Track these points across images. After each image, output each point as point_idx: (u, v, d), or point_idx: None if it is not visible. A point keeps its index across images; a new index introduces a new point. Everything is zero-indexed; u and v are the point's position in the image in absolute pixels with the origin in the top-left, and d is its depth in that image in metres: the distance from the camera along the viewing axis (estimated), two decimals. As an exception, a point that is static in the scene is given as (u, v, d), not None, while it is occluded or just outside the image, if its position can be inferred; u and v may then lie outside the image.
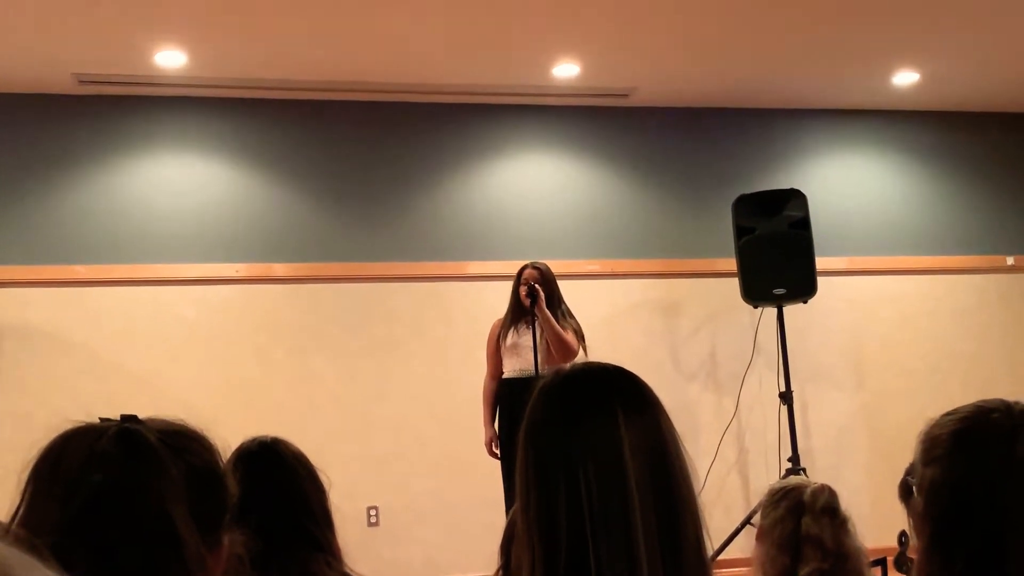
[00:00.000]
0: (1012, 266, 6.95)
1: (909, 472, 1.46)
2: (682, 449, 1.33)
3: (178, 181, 6.08)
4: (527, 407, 1.35)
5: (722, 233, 6.21)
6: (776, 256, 5.91)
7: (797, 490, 2.27)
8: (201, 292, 5.98)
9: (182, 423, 1.24)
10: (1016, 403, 1.43)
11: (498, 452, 5.18)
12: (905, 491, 1.46)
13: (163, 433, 1.19)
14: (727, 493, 6.34)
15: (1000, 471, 1.37)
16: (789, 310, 6.03)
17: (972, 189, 7.04)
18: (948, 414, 1.45)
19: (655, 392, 1.36)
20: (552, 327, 5.03)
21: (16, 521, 1.12)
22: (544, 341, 5.04)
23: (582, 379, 1.36)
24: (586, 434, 1.28)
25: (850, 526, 2.25)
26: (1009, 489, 1.36)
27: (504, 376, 5.20)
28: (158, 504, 1.12)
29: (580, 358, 5.15)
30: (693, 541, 1.28)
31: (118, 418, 1.20)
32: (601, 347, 5.59)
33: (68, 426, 1.19)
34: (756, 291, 5.94)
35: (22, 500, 1.14)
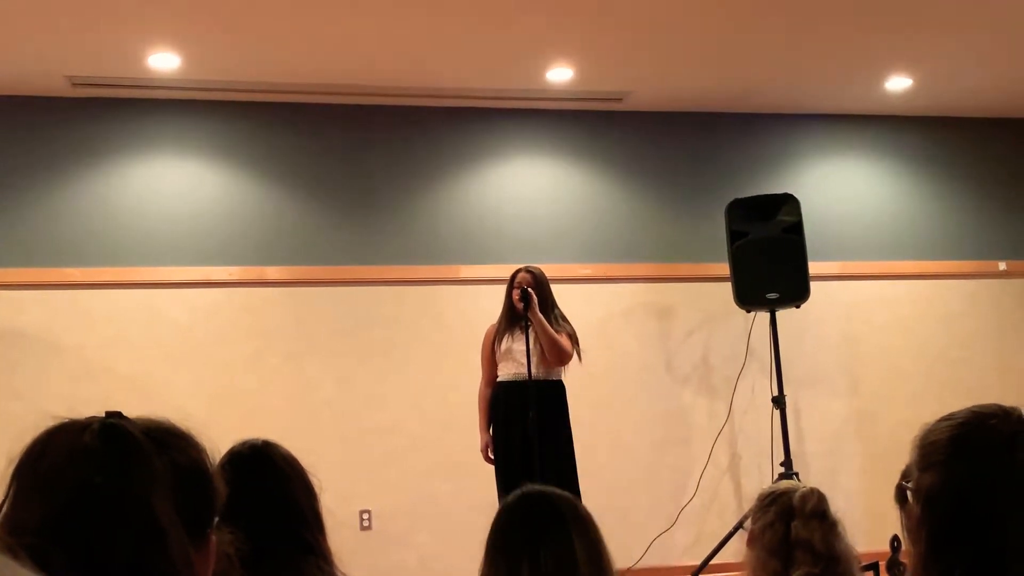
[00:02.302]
0: (1004, 271, 6.96)
1: (905, 476, 1.45)
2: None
3: (171, 184, 6.07)
4: (493, 526, 1.87)
5: (715, 237, 6.21)
6: (769, 260, 5.92)
7: (786, 494, 2.27)
8: (194, 295, 5.97)
9: (167, 421, 1.24)
10: (1013, 408, 1.43)
11: (493, 456, 5.17)
12: (901, 496, 1.45)
13: (148, 429, 1.19)
14: (720, 498, 6.34)
15: (1000, 477, 1.36)
16: (782, 315, 6.03)
17: (965, 194, 7.05)
18: (944, 419, 1.44)
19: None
20: (545, 330, 5.02)
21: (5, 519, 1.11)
22: (538, 345, 5.04)
23: (540, 501, 1.92)
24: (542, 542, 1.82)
25: (840, 529, 2.24)
26: (1009, 496, 1.35)
27: (499, 380, 5.19)
28: (142, 499, 1.11)
29: (574, 362, 5.15)
30: None
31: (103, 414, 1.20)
32: (594, 352, 5.59)
33: (52, 422, 1.19)
34: (749, 295, 5.94)
35: (6, 497, 1.13)
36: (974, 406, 1.44)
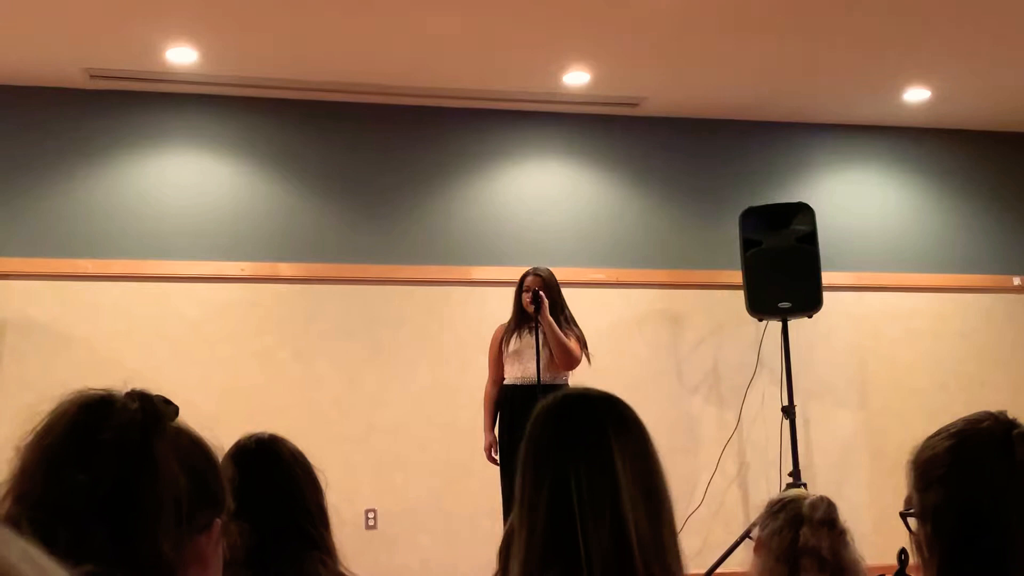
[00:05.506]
0: (1019, 286, 6.92)
1: (907, 504, 1.45)
2: (660, 463, 1.55)
3: (186, 178, 6.08)
4: (529, 423, 1.58)
5: (728, 245, 6.20)
6: (782, 270, 5.90)
7: (796, 501, 2.26)
8: (205, 290, 5.98)
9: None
10: (999, 412, 1.43)
11: (497, 458, 5.16)
12: (906, 523, 1.45)
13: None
14: (727, 507, 6.32)
15: (1002, 478, 1.36)
16: (794, 324, 6.01)
17: (980, 208, 7.02)
18: (935, 434, 1.45)
19: (641, 415, 1.58)
20: (555, 334, 5.01)
21: (11, 489, 1.11)
22: (546, 348, 5.03)
23: (578, 401, 1.59)
24: (579, 444, 1.50)
25: (849, 538, 2.23)
26: (1012, 494, 1.35)
27: (505, 382, 5.19)
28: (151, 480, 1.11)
29: (583, 366, 5.14)
30: (670, 529, 1.50)
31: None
32: (604, 357, 5.57)
33: (75, 396, 1.19)
34: (761, 304, 5.92)
35: (22, 471, 1.13)
36: (961, 418, 1.45)
